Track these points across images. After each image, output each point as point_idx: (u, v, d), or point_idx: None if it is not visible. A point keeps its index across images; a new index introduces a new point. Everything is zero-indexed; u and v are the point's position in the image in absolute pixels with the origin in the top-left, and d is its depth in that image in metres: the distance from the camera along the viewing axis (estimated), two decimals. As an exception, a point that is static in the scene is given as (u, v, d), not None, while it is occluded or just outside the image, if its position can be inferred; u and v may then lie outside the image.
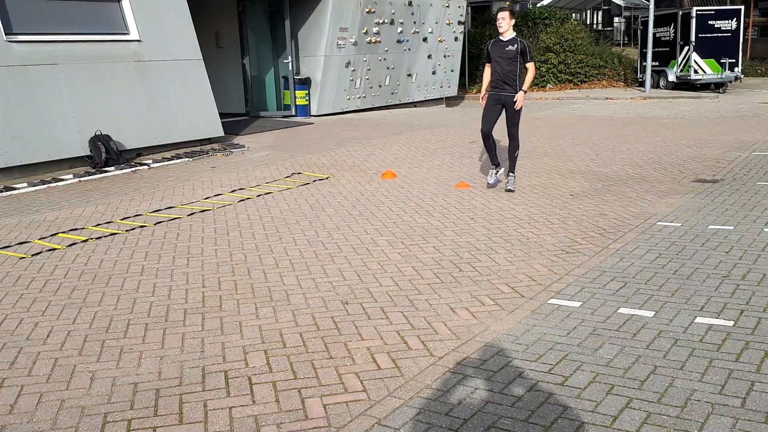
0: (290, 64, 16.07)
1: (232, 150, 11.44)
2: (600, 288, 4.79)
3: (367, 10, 16.31)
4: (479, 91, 23.50)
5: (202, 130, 11.98)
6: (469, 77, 24.00)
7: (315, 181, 8.86)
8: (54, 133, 9.82)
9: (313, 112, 16.24)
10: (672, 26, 21.38)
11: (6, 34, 9.54)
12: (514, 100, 7.57)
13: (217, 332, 4.25)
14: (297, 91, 16.15)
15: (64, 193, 8.54)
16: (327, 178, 9.03)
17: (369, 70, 16.98)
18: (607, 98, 20.08)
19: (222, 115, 12.66)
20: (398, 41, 17.58)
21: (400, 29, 17.51)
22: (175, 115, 11.45)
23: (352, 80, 16.65)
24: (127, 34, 11.12)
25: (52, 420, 3.28)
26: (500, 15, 7.64)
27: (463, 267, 5.33)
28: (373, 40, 16.79)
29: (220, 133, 12.25)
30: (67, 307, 4.72)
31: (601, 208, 7.03)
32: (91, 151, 10.02)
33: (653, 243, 5.77)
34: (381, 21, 16.83)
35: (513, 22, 7.62)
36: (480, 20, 27.44)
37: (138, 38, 11.14)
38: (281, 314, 4.50)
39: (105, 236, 6.45)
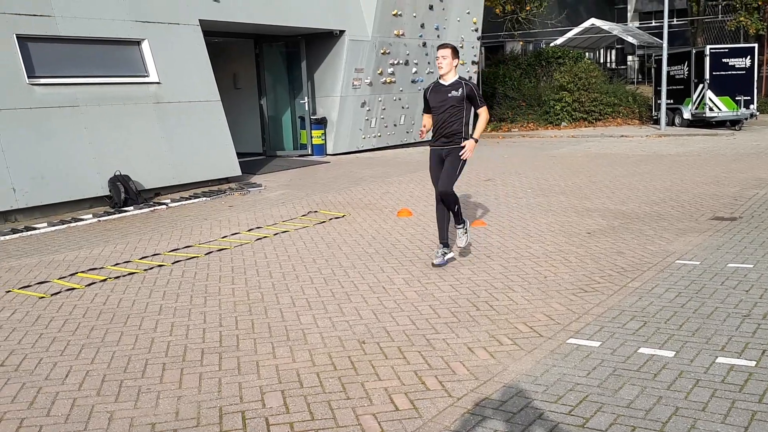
0: (306, 104, 16.28)
1: (249, 189, 11.54)
2: (619, 327, 4.74)
3: (382, 51, 16.55)
4: (494, 129, 23.69)
5: (219, 170, 12.12)
6: (483, 116, 24.17)
7: (331, 219, 8.90)
8: (74, 174, 9.97)
9: (329, 151, 16.38)
10: (686, 64, 21.48)
11: (28, 77, 9.76)
12: (461, 151, 6.28)
13: (234, 372, 4.24)
14: (313, 131, 16.33)
15: (83, 233, 8.64)
16: (343, 216, 9.07)
17: (384, 109, 17.15)
18: (622, 136, 20.10)
19: (239, 154, 12.82)
20: (413, 81, 17.77)
21: (414, 69, 17.72)
22: (193, 155, 11.60)
23: (367, 120, 16.82)
24: (147, 76, 11.34)
25: (70, 461, 3.28)
26: (440, 53, 6.29)
27: (481, 306, 5.31)
28: (388, 81, 16.99)
29: (238, 172, 12.38)
30: (86, 346, 4.74)
31: (618, 247, 7.00)
32: (110, 191, 10.15)
33: (672, 282, 5.72)
34: (396, 62, 17.05)
35: (456, 62, 6.32)
36: (493, 60, 27.72)
37: (157, 80, 11.35)
38: (298, 354, 4.49)
39: (124, 275, 6.50)
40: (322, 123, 16.27)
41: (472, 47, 19.97)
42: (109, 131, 10.53)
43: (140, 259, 7.15)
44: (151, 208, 10.05)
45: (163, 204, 10.32)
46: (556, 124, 23.91)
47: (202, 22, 12.30)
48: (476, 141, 6.36)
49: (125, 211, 9.87)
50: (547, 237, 7.54)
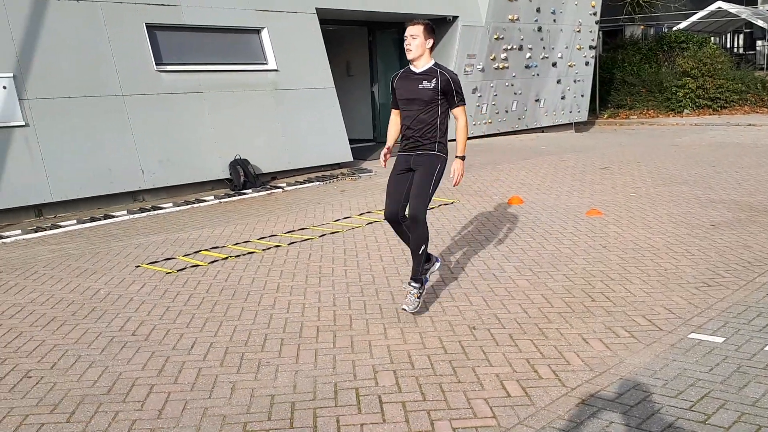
0: (418, 90, 16.29)
1: (360, 174, 11.73)
2: (745, 324, 4.51)
3: (495, 36, 16.33)
4: (611, 116, 22.89)
5: (332, 156, 12.37)
6: (600, 102, 23.42)
7: (440, 205, 8.91)
8: (197, 157, 10.47)
9: (439, 138, 16.33)
10: (824, 47, 19.92)
11: (156, 64, 10.30)
12: (436, 166, 4.90)
13: (347, 350, 4.35)
14: (424, 117, 16.33)
15: (206, 213, 9.07)
16: (452, 202, 9.06)
17: (496, 95, 16.94)
18: (749, 125, 18.94)
19: (351, 141, 13.03)
20: (526, 66, 17.44)
21: (528, 55, 17.37)
22: (307, 141, 11.90)
23: (478, 106, 16.66)
24: (266, 63, 11.71)
25: (196, 426, 3.48)
26: (409, 30, 4.82)
27: (596, 297, 5.18)
28: (501, 66, 16.75)
29: (350, 158, 12.60)
30: (210, 320, 5.00)
31: (745, 240, 6.63)
32: (230, 174, 10.59)
33: (806, 278, 5.38)
34: (509, 47, 16.78)
35: (431, 42, 4.83)
36: (612, 44, 26.74)
37: (275, 68, 11.70)
38: (409, 336, 4.55)
39: (243, 255, 6.78)
40: (432, 109, 16.24)
41: (590, 31, 19.35)
42: (230, 117, 10.97)
43: (259, 239, 7.43)
44: (268, 191, 10.41)
45: (279, 187, 10.67)
46: (678, 111, 22.83)
47: (319, 11, 12.56)
48: (463, 159, 4.93)
49: (244, 193, 10.27)
50: (668, 228, 7.24)
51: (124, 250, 7.14)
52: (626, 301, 5.05)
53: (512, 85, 17.27)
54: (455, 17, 15.52)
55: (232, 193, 10.35)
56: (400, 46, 16.72)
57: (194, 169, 10.44)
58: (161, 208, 9.34)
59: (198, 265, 6.44)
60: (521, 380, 3.84)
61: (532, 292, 5.36)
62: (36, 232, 8.14)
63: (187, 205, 9.57)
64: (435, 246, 6.84)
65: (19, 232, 8.11)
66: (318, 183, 11.06)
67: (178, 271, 6.28)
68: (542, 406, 3.53)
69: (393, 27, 16.42)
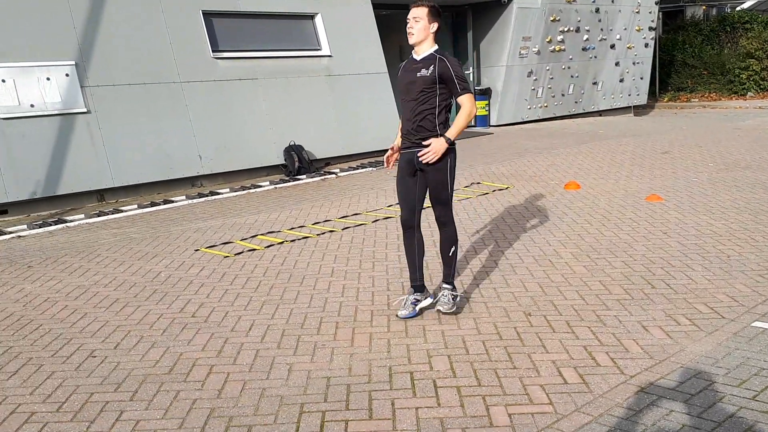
0: (471, 74, 16.16)
1: (413, 159, 11.69)
2: (814, 313, 4.35)
3: (551, 18, 16.03)
4: (671, 99, 22.27)
5: (385, 141, 12.34)
6: (660, 85, 22.81)
7: (494, 191, 8.83)
8: (253, 143, 10.61)
9: (492, 122, 16.20)
10: None
11: (212, 51, 10.45)
12: (428, 153, 4.40)
13: (402, 335, 4.37)
14: (477, 102, 16.18)
15: (261, 199, 9.20)
16: (507, 188, 8.97)
17: (552, 78, 16.66)
18: (819, 106, 18.20)
19: (404, 125, 12.98)
20: (584, 49, 17.09)
21: (586, 37, 17.01)
22: (361, 127, 11.93)
23: (533, 89, 16.42)
24: (320, 49, 11.76)
25: (254, 406, 3.54)
26: (412, 13, 4.44)
27: (656, 284, 5.07)
28: (557, 49, 16.45)
29: (403, 143, 12.57)
30: (266, 303, 5.07)
31: (814, 226, 6.39)
32: (285, 160, 10.71)
33: None
34: (566, 29, 16.46)
35: (435, 26, 4.42)
36: (672, 25, 25.96)
37: (329, 53, 11.74)
38: (463, 321, 4.53)
39: (298, 239, 6.86)
40: (486, 93, 16.09)
41: (650, 12, 18.82)
42: (285, 103, 11.07)
43: (313, 224, 7.49)
44: (322, 177, 10.49)
45: (333, 173, 10.73)
46: (741, 94, 22.08)
47: (372, -5, 12.55)
48: (449, 142, 4.38)
49: (298, 179, 10.37)
50: (730, 214, 7.02)
51: (183, 234, 7.30)
52: (687, 288, 4.93)
53: (569, 67, 16.95)
54: (510, 0, 15.30)
55: (286, 178, 10.46)
56: (453, 29, 16.60)
57: (250, 155, 10.58)
58: (218, 194, 9.51)
59: (254, 249, 6.54)
60: (578, 367, 3.79)
61: (590, 278, 5.27)
62: (98, 216, 8.39)
63: (244, 190, 9.71)
64: (489, 231, 6.79)
65: (82, 216, 8.37)
66: (371, 168, 11.09)
67: (235, 255, 6.39)
68: (600, 394, 3.48)
69: (447, 10, 16.28)
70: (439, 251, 4.81)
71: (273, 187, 9.95)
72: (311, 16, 11.75)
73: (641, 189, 8.49)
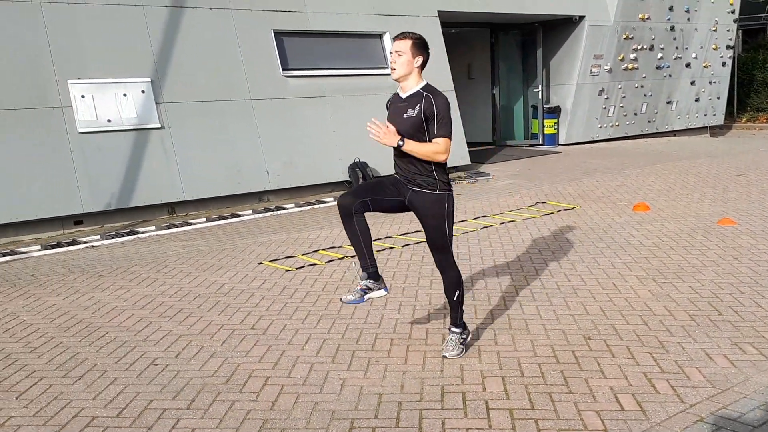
0: (540, 92, 16.00)
1: (477, 178, 11.64)
2: None
3: (624, 36, 15.74)
4: (749, 120, 21.46)
5: (450, 159, 12.31)
6: (738, 105, 22.04)
7: (560, 210, 8.69)
8: (319, 160, 10.77)
9: (561, 141, 15.96)
10: None
11: (282, 69, 10.68)
12: (444, 211, 4.20)
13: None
14: (546, 120, 16.01)
15: (325, 214, 9.31)
16: (573, 208, 8.81)
17: (624, 97, 16.32)
18: None
19: (469, 144, 12.96)
20: (657, 67, 16.68)
21: (660, 55, 16.61)
22: (426, 144, 11.94)
23: (604, 108, 16.12)
24: (386, 68, 11.87)
25: (306, 419, 3.58)
26: (394, 46, 4.12)
27: (723, 311, 4.88)
28: (630, 67, 16.12)
29: (467, 161, 12.54)
30: (324, 317, 5.13)
31: None
32: (349, 176, 10.82)
33: None
34: (639, 47, 16.12)
35: (420, 60, 4.11)
36: (752, 44, 25.08)
37: (396, 71, 11.82)
38: (520, 343, 4.47)
39: (358, 255, 6.90)
40: (555, 112, 15.90)
41: (728, 30, 18.24)
42: (350, 120, 11.20)
43: (374, 240, 7.53)
44: (386, 193, 10.53)
45: (397, 189, 10.77)
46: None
47: (441, 14, 12.59)
48: (401, 143, 4.03)
49: (362, 195, 10.44)
50: (808, 240, 6.72)
51: (248, 248, 7.45)
52: (756, 316, 4.73)
53: (642, 86, 16.58)
54: (582, 17, 15.11)
55: (351, 194, 10.54)
56: (523, 47, 16.51)
57: (315, 171, 10.74)
58: (284, 209, 9.68)
59: (315, 264, 6.63)
60: (636, 394, 3.68)
61: (655, 303, 5.12)
62: (168, 228, 8.67)
63: (308, 206, 9.86)
64: (551, 252, 6.69)
65: (153, 228, 8.66)
66: (435, 186, 11.07)
67: (297, 269, 6.49)
68: (657, 422, 3.37)
69: (516, 28, 16.21)
70: (445, 294, 4.42)
71: (336, 203, 10.04)
72: (379, 35, 11.89)
73: (713, 212, 8.21)
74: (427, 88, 4.12)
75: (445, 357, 4.28)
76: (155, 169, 9.32)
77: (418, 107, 4.03)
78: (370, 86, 11.53)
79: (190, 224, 8.86)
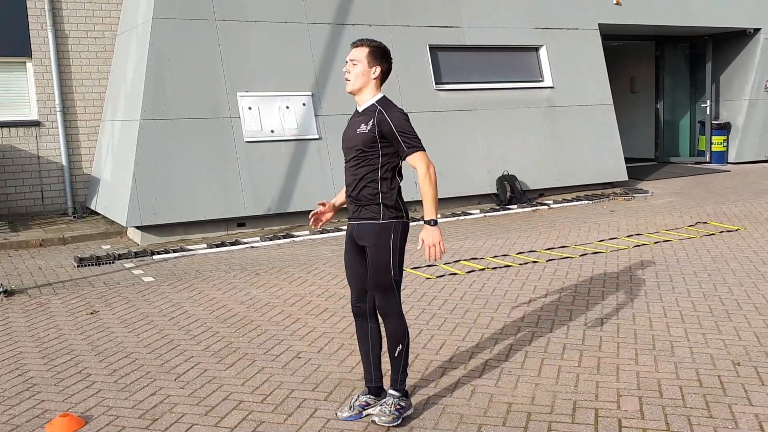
0: (708, 108, 15.11)
1: (634, 195, 11.21)
2: None
3: (805, 48, 14.53)
4: None
5: (605, 174, 11.99)
6: None
7: (722, 232, 8.19)
8: (467, 172, 10.84)
9: (730, 159, 14.97)
10: None
11: (436, 83, 10.88)
12: (388, 239, 3.65)
13: (593, 371, 4.26)
14: (714, 137, 15.09)
15: (470, 226, 9.37)
16: (737, 230, 8.27)
17: (803, 114, 15.05)
18: None
19: (628, 159, 12.51)
20: (844, 82, 15.22)
21: None
22: (579, 159, 11.69)
23: (780, 126, 14.95)
24: (542, 81, 11.76)
25: (435, 420, 3.67)
26: (350, 55, 3.77)
27: None
28: (811, 81, 14.84)
29: (624, 177, 12.11)
30: (459, 325, 5.20)
31: None
32: (497, 189, 10.81)
33: None
34: (822, 60, 14.81)
35: (377, 71, 3.70)
36: None
37: (551, 85, 11.68)
38: (662, 364, 4.31)
39: (500, 267, 6.91)
40: (724, 128, 14.94)
41: None
42: (501, 133, 11.19)
43: (517, 254, 7.50)
44: (533, 208, 10.43)
45: (545, 204, 10.62)
46: None
47: (602, 26, 12.29)
48: (435, 224, 3.63)
49: (509, 208, 10.41)
50: None
51: (393, 255, 7.67)
52: None
53: (824, 102, 15.20)
54: (757, 30, 14.15)
55: (497, 207, 10.54)
56: (691, 60, 15.71)
57: (463, 182, 10.83)
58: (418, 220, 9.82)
59: (456, 274, 6.71)
60: (786, 426, 3.45)
61: (818, 333, 4.73)
62: (321, 233, 9.10)
63: (454, 217, 9.96)
64: (708, 274, 6.34)
65: (307, 232, 9.13)
66: (586, 201, 10.81)
67: (437, 277, 6.61)
68: (807, 458, 3.14)
69: (684, 41, 15.44)
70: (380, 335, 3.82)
71: (483, 215, 10.09)
72: (536, 48, 11.80)
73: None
74: (382, 101, 3.67)
75: (374, 422, 3.65)
76: (312, 177, 9.82)
77: (371, 122, 3.59)
78: (521, 99, 11.48)
79: (341, 230, 9.24)
